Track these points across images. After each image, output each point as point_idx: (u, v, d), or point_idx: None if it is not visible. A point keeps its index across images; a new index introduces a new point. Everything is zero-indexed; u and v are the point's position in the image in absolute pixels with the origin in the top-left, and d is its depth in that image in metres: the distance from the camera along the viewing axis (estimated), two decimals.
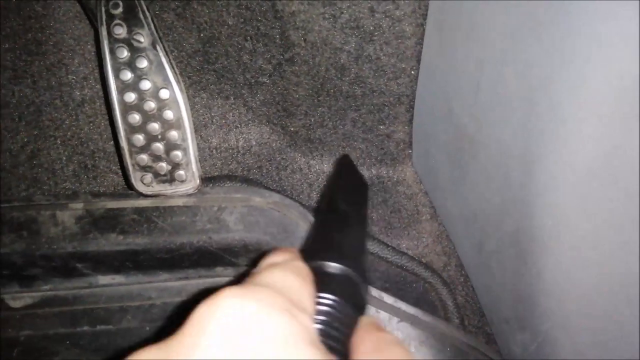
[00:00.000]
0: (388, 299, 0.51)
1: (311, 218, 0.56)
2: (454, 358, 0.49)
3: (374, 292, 0.52)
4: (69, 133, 0.61)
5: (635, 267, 0.33)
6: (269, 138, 0.63)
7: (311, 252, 0.31)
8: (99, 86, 0.59)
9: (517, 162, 0.38)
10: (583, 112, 0.30)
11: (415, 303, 0.58)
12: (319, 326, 0.26)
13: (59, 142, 0.61)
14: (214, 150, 0.62)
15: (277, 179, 0.63)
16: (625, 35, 0.27)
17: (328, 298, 0.27)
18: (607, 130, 0.30)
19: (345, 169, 0.56)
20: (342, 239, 0.36)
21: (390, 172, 0.62)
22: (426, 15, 0.47)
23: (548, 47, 0.32)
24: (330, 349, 0.25)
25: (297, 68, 0.54)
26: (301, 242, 0.55)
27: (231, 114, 0.61)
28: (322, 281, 0.28)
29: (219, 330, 0.20)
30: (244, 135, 0.62)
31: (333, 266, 0.31)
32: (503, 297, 0.47)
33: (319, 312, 0.26)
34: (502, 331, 0.50)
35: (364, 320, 0.28)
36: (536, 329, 0.42)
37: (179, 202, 0.54)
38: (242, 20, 0.53)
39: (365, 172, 0.63)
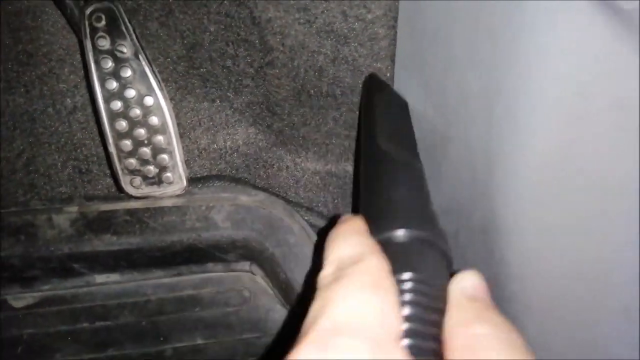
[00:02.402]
0: None
1: (296, 214, 0.58)
2: None
3: None
4: (62, 139, 0.63)
5: (589, 251, 0.35)
6: (255, 138, 0.65)
7: (376, 221, 0.27)
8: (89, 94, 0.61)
9: (481, 158, 0.40)
10: (533, 110, 0.32)
11: None
12: (406, 325, 0.23)
13: (53, 148, 0.63)
14: (203, 152, 0.65)
15: (264, 177, 0.66)
16: (569, 39, 0.30)
17: (410, 279, 0.24)
18: (555, 125, 0.32)
19: (376, 90, 0.49)
20: (401, 191, 0.32)
21: None
22: (397, 17, 0.49)
23: (501, 49, 0.34)
24: (421, 351, 0.22)
25: (277, 71, 0.56)
26: (288, 237, 0.57)
27: (218, 116, 0.64)
28: (397, 259, 0.25)
29: None
30: (231, 136, 0.65)
31: (404, 235, 0.27)
32: None
33: (404, 302, 0.23)
34: None
35: (453, 290, 0.25)
36: (505, 312, 0.44)
37: (169, 202, 0.56)
38: (222, 26, 0.55)
39: (349, 168, 0.65)
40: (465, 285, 0.26)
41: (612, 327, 0.35)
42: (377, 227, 0.27)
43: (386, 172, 0.35)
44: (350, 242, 0.25)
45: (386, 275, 0.24)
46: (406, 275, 0.24)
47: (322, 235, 0.30)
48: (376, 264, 0.24)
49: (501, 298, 0.44)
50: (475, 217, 0.44)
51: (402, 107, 0.46)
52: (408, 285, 0.24)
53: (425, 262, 0.26)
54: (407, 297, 0.23)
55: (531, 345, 0.44)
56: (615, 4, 0.27)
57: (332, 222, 0.30)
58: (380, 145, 0.39)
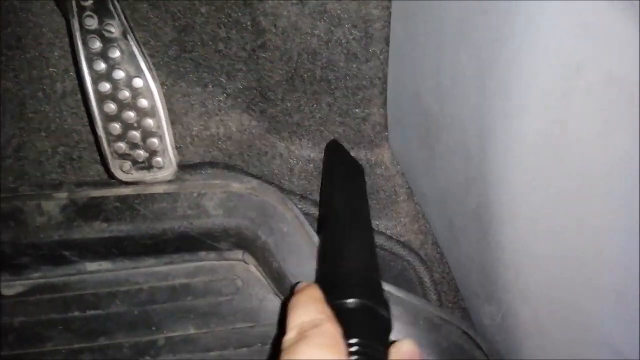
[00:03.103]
0: None
1: (289, 202, 0.57)
2: (427, 331, 0.51)
3: None
4: (52, 125, 0.62)
5: (584, 236, 0.34)
6: (248, 124, 0.64)
7: (331, 289, 0.33)
8: None
9: (474, 140, 0.39)
10: (525, 89, 0.31)
11: (394, 281, 0.59)
12: None
13: (43, 134, 0.62)
14: (195, 138, 0.64)
15: (257, 164, 0.65)
16: (561, 17, 0.29)
17: (357, 344, 0.30)
18: (547, 105, 0.31)
19: (335, 156, 0.57)
20: (352, 263, 0.39)
21: (368, 154, 0.64)
22: None
23: (494, 26, 0.33)
24: None
25: (270, 54, 0.55)
26: (281, 225, 0.57)
27: (210, 102, 0.63)
28: (349, 324, 0.30)
29: None
30: (224, 122, 0.64)
31: (354, 303, 0.33)
32: (471, 271, 0.48)
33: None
34: (473, 305, 0.52)
35: (393, 354, 0.31)
36: (499, 299, 0.43)
37: (160, 189, 0.55)
38: (214, 8, 0.54)
39: None
40: (403, 351, 0.31)
41: (605, 311, 0.34)
42: (332, 294, 0.33)
43: (340, 243, 0.43)
44: (309, 309, 0.30)
45: (339, 339, 0.29)
46: (354, 340, 0.30)
47: (284, 304, 0.36)
48: (331, 329, 0.29)
49: (496, 286, 0.43)
50: (469, 201, 0.43)
51: (358, 173, 0.54)
52: (356, 348, 0.30)
53: (370, 329, 0.32)
54: (355, 358, 0.30)
55: (526, 331, 0.43)
56: None
57: (291, 290, 0.36)
58: (337, 212, 0.48)
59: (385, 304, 0.35)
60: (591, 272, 0.35)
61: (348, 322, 0.31)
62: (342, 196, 0.50)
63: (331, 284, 0.35)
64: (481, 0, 0.34)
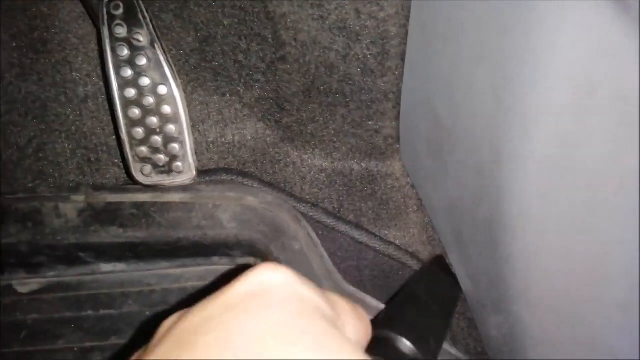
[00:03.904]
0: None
1: (303, 220, 0.58)
2: None
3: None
4: (73, 128, 0.64)
5: (593, 250, 0.36)
6: (263, 133, 0.65)
7: (386, 320, 0.29)
8: (101, 83, 0.62)
9: (487, 154, 0.41)
10: (540, 107, 0.33)
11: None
12: None
13: (63, 136, 0.64)
14: (211, 145, 0.65)
15: (271, 172, 0.66)
16: (577, 38, 0.30)
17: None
18: (561, 120, 0.33)
19: (438, 270, 0.53)
20: (421, 320, 0.33)
21: (380, 165, 0.65)
22: (409, 16, 0.50)
23: (510, 47, 0.35)
24: None
25: (288, 66, 0.57)
26: (293, 243, 0.57)
27: (227, 110, 0.64)
28: (387, 354, 0.27)
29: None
30: (240, 130, 0.65)
31: (404, 343, 0.29)
32: (479, 282, 0.49)
33: None
34: (481, 315, 0.53)
35: None
36: (508, 310, 0.44)
37: (176, 198, 0.57)
38: (236, 20, 0.56)
39: (355, 166, 0.66)
40: None
41: (611, 324, 0.35)
42: (384, 324, 0.30)
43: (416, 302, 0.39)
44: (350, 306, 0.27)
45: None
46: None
47: None
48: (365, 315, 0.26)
49: (504, 297, 0.45)
50: (480, 212, 0.44)
51: (455, 290, 0.49)
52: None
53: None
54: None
55: (533, 342, 0.44)
56: (622, 2, 0.28)
57: None
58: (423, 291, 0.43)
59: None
60: (598, 285, 0.36)
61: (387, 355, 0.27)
62: (431, 292, 0.45)
63: (387, 318, 0.31)
64: (499, 21, 0.36)
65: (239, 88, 0.62)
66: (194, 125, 0.64)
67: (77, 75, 0.62)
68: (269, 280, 0.23)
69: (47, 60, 0.62)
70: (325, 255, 0.56)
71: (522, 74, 0.34)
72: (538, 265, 0.40)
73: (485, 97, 0.39)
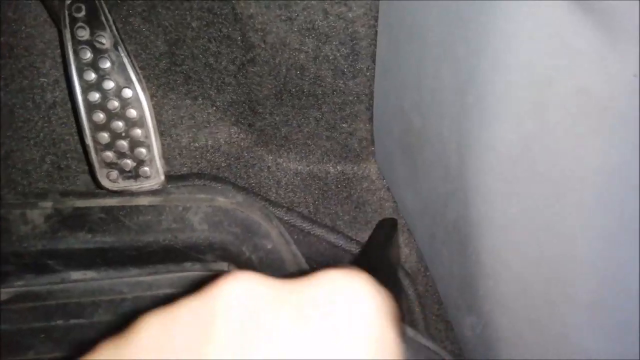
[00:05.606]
0: None
1: (274, 219, 0.58)
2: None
3: None
4: (41, 134, 0.63)
5: (558, 248, 0.35)
6: (237, 137, 0.65)
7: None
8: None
9: (454, 153, 0.40)
10: (501, 102, 0.33)
11: None
12: None
13: (32, 143, 0.63)
14: (184, 150, 0.64)
15: (245, 176, 0.66)
16: (535, 32, 0.30)
17: None
18: (521, 117, 0.33)
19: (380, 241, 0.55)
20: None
21: (355, 168, 0.65)
22: (377, 16, 0.50)
23: (472, 45, 0.35)
24: None
25: (259, 68, 0.56)
26: (265, 242, 0.57)
27: (199, 114, 0.64)
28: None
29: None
30: (213, 134, 0.64)
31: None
32: (453, 282, 0.49)
33: None
34: (456, 316, 0.52)
35: None
36: (480, 311, 0.44)
37: (145, 201, 0.56)
38: (205, 22, 0.55)
39: (330, 169, 0.65)
40: None
41: (580, 319, 0.35)
42: None
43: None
44: None
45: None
46: None
47: None
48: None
49: (476, 297, 0.44)
50: (449, 213, 0.44)
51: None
52: None
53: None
54: None
55: (505, 342, 0.44)
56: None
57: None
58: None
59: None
60: (566, 281, 0.36)
61: None
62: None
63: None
64: (461, 19, 0.36)
65: (210, 91, 0.62)
66: (165, 130, 0.63)
67: (44, 81, 0.61)
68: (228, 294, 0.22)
69: (13, 66, 0.60)
70: (298, 253, 0.55)
71: (483, 71, 0.34)
72: (506, 264, 0.39)
73: (450, 95, 0.39)
